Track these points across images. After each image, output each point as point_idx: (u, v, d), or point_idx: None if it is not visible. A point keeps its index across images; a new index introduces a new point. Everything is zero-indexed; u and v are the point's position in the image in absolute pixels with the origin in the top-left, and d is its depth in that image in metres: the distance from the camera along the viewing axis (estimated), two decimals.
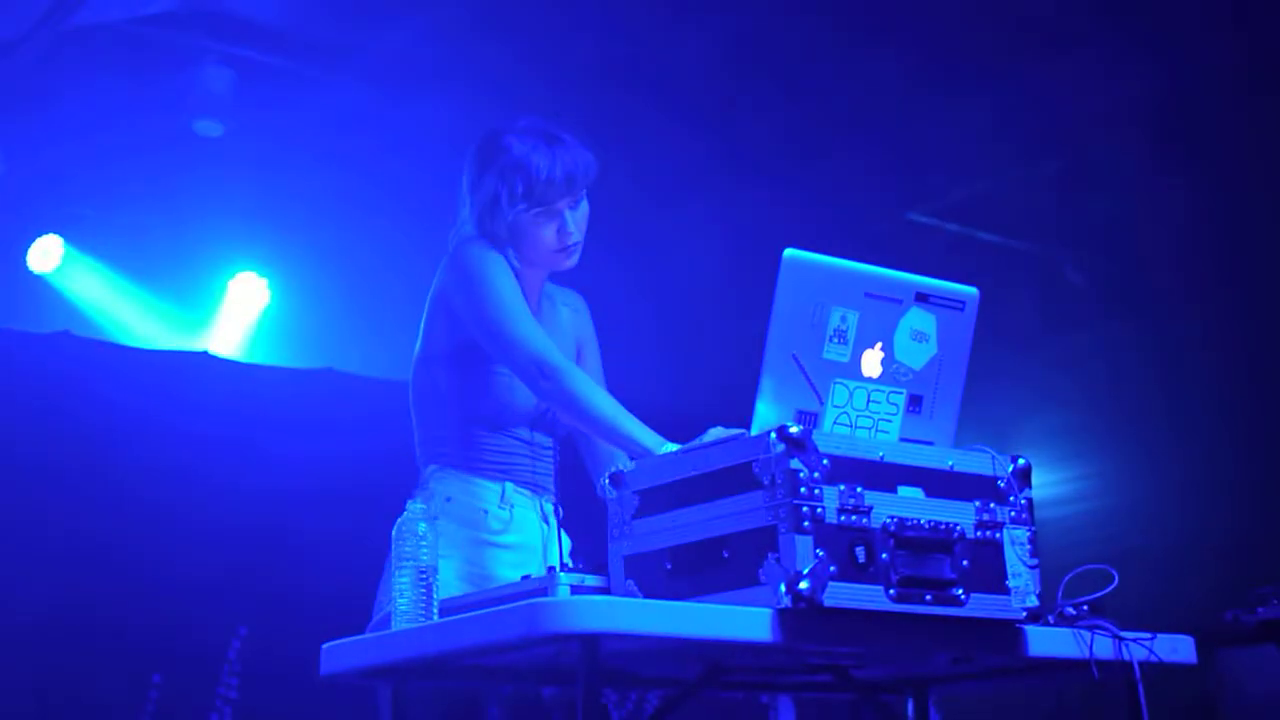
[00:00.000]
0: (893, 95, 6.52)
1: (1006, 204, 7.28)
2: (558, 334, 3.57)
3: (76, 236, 7.21)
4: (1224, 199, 6.75)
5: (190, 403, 6.70)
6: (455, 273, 3.44)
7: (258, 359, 7.58)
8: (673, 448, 3.07)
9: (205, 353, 7.25)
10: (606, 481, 2.88)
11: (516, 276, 3.45)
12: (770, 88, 6.56)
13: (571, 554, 3.44)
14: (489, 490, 3.44)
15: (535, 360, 3.31)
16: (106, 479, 6.31)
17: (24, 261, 7.14)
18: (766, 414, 2.70)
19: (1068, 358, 7.57)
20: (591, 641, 2.48)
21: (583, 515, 3.56)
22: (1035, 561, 2.82)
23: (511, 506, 3.44)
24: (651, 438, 3.17)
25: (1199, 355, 7.06)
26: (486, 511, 3.42)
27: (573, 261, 3.55)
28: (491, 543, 3.41)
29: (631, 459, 3.06)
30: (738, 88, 6.55)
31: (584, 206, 3.53)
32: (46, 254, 7.17)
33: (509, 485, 3.45)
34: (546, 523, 3.47)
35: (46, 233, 7.16)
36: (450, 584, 3.17)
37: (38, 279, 7.20)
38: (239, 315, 7.66)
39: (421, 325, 3.52)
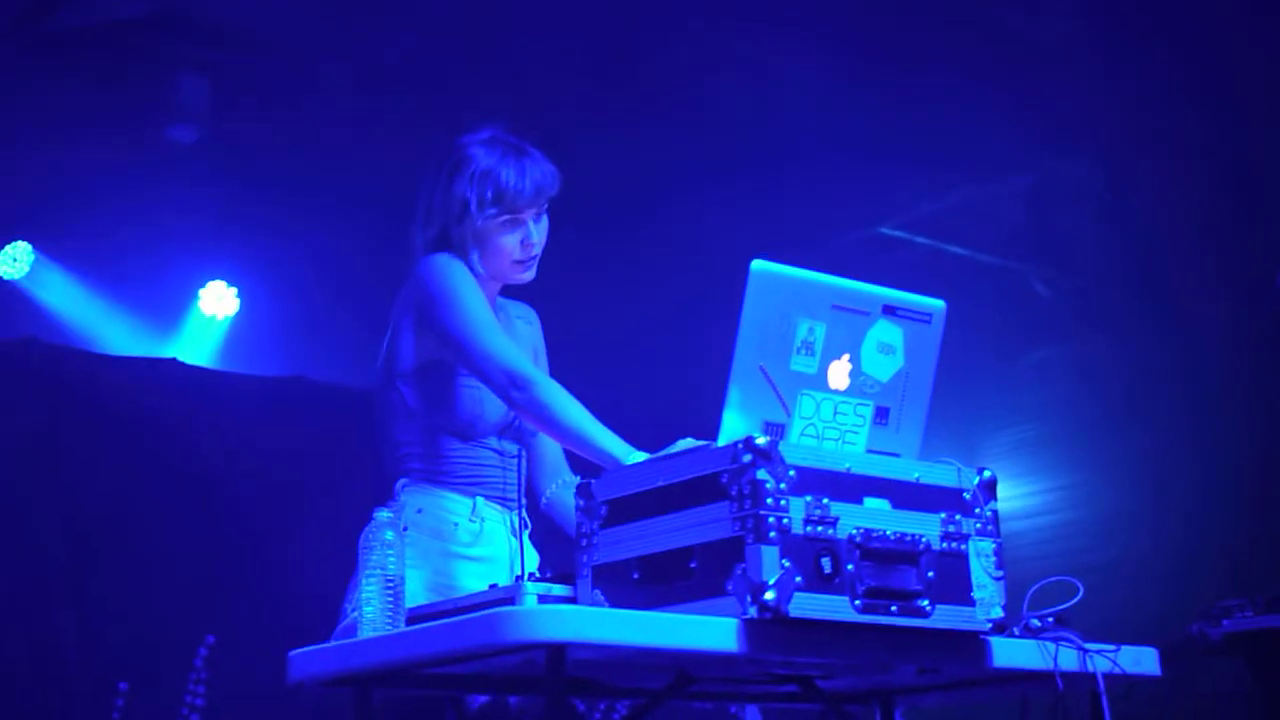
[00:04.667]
0: (864, 108, 6.55)
1: (975, 218, 7.31)
2: (517, 344, 3.59)
3: (46, 243, 7.19)
4: (1191, 211, 6.79)
5: (158, 410, 6.68)
6: (424, 285, 3.45)
7: (227, 367, 7.57)
8: (642, 457, 3.09)
9: (174, 359, 7.23)
10: (573, 492, 2.89)
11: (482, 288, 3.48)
12: (743, 97, 6.58)
13: (539, 568, 3.46)
14: (460, 503, 3.45)
15: (507, 371, 3.32)
16: (72, 486, 6.29)
17: None
18: (734, 425, 2.71)
19: (1035, 371, 7.60)
20: (558, 650, 2.48)
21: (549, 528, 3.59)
22: (1001, 573, 2.84)
23: (482, 520, 3.46)
24: (621, 447, 3.20)
25: (1166, 370, 7.10)
26: (457, 524, 3.44)
27: (530, 275, 3.60)
28: (460, 555, 3.42)
29: (603, 468, 3.08)
30: (707, 94, 6.56)
31: (545, 220, 3.57)
32: (15, 260, 7.16)
33: (480, 499, 3.47)
34: (516, 536, 3.48)
35: (16, 239, 7.15)
36: (417, 595, 3.18)
37: (7, 284, 7.19)
38: (207, 323, 7.66)
39: (387, 338, 3.53)
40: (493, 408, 3.47)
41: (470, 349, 3.37)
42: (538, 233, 3.55)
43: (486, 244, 3.51)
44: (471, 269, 3.49)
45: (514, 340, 3.59)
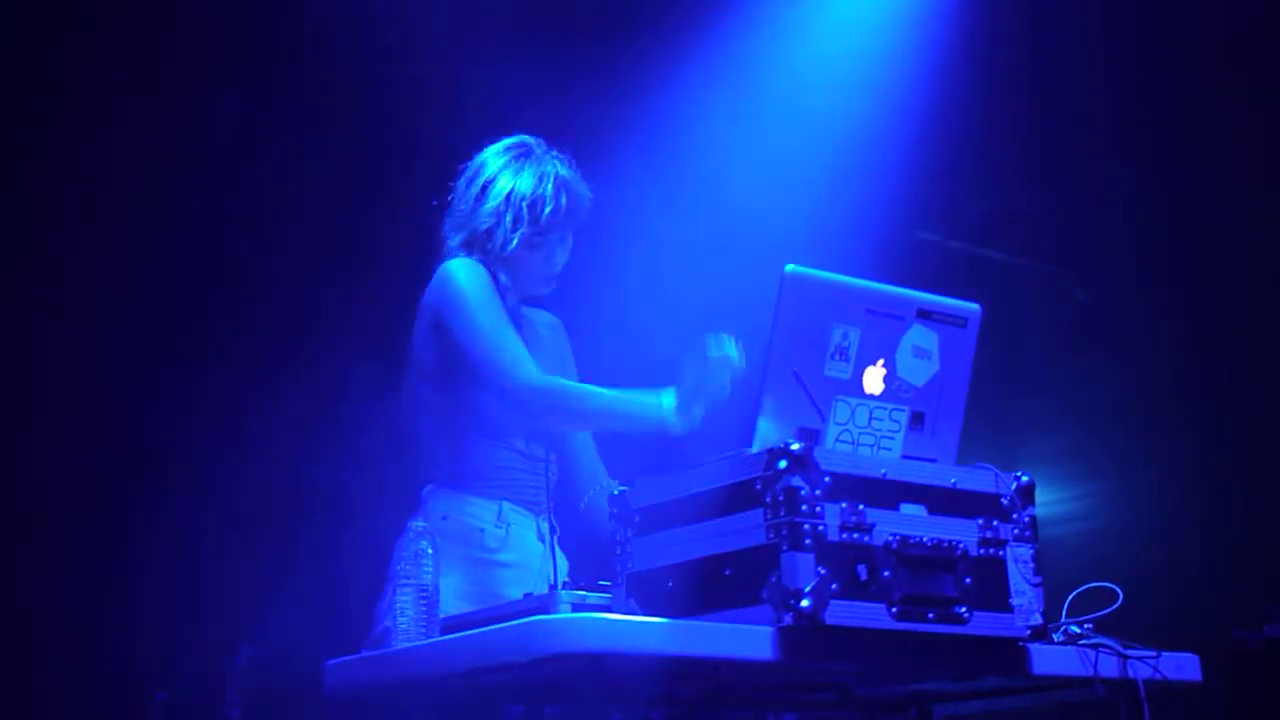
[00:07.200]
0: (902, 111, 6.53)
1: (1014, 222, 7.27)
2: (542, 353, 3.60)
3: None
4: (1234, 220, 6.74)
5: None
6: (441, 289, 3.46)
7: None
8: (671, 397, 3.18)
9: None
10: (606, 500, 2.88)
11: (506, 296, 3.49)
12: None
13: (569, 573, 3.46)
14: (485, 508, 3.45)
15: (514, 378, 3.34)
16: (107, 491, 6.30)
17: None
18: (768, 431, 2.69)
19: (1074, 375, 7.55)
20: (593, 660, 2.47)
21: (578, 532, 3.58)
22: (1039, 579, 2.81)
23: (508, 525, 3.45)
24: (652, 401, 3.25)
25: (1209, 373, 7.04)
26: (483, 530, 3.44)
27: (550, 289, 3.61)
28: (488, 560, 3.42)
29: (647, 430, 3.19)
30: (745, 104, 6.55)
31: (570, 241, 3.59)
32: None
33: (505, 503, 3.46)
34: (543, 540, 3.48)
35: None
36: (449, 601, 3.17)
37: None
38: None
39: (411, 342, 3.54)
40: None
41: (476, 357, 3.38)
42: (562, 253, 3.58)
43: (511, 260, 3.53)
44: (495, 278, 3.50)
45: (540, 347, 3.59)
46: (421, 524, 3.19)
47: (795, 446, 2.58)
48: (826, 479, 2.60)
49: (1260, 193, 6.54)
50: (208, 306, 7.43)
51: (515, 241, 3.51)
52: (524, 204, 3.52)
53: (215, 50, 6.12)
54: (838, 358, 2.77)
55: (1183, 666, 3.06)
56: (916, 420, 2.86)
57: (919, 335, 2.85)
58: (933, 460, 2.85)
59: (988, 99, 6.43)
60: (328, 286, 6.35)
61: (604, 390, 3.33)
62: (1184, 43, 6.12)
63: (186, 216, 6.56)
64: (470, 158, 3.67)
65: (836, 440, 2.78)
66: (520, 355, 3.37)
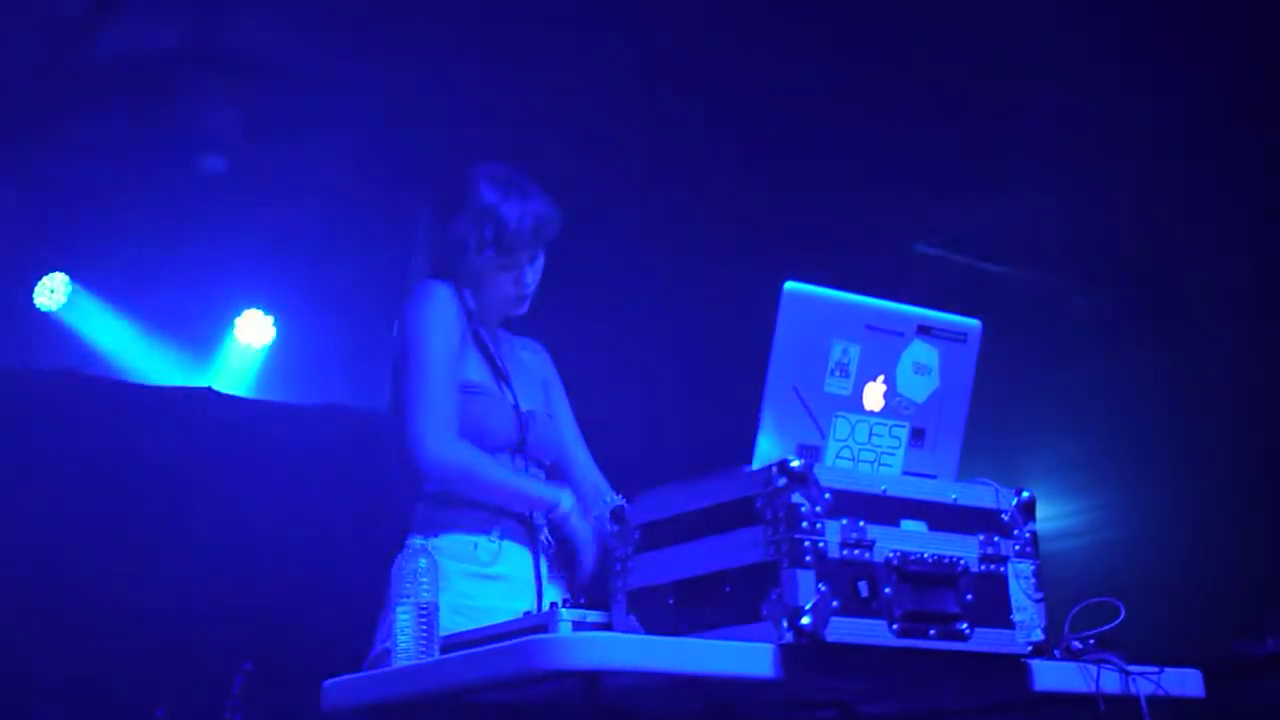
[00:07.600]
0: (898, 125, 6.52)
1: (1011, 233, 7.27)
2: (523, 376, 3.61)
3: (82, 274, 7.22)
4: (1238, 231, 6.74)
5: (194, 439, 6.70)
6: (405, 320, 3.48)
7: (264, 396, 7.58)
8: (569, 498, 3.38)
9: (209, 389, 7.25)
10: (607, 516, 2.87)
11: (472, 319, 3.50)
12: (775, 117, 6.57)
13: (567, 588, 3.45)
14: (478, 522, 3.45)
15: (420, 448, 3.35)
16: (109, 515, 6.31)
17: (31, 298, 7.17)
18: (768, 448, 2.69)
19: (1074, 390, 7.55)
20: (592, 678, 2.46)
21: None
22: (1040, 595, 2.80)
23: (501, 539, 3.45)
24: (549, 493, 3.40)
25: (1207, 387, 7.04)
26: (476, 545, 3.43)
27: (523, 310, 3.62)
28: (481, 574, 3.42)
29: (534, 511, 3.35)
30: (743, 116, 6.55)
31: (541, 260, 3.59)
32: (53, 292, 7.19)
33: (498, 517, 3.46)
34: (536, 554, 3.48)
35: (52, 270, 7.18)
36: (443, 616, 3.17)
37: (45, 315, 7.22)
38: (244, 352, 7.67)
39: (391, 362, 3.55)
40: (502, 423, 3.48)
41: (403, 391, 3.40)
42: (532, 273, 3.59)
43: (481, 281, 3.55)
44: (464, 303, 3.51)
45: (521, 371, 3.61)
46: (419, 541, 3.19)
47: (795, 463, 2.57)
48: (827, 495, 2.59)
49: (1257, 197, 6.55)
50: (215, 329, 7.46)
51: (480, 262, 3.53)
52: (488, 223, 3.53)
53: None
54: (838, 374, 2.76)
55: (1185, 682, 3.05)
56: (917, 436, 2.86)
57: (919, 351, 2.84)
58: (933, 476, 2.84)
59: (986, 103, 6.44)
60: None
61: (507, 474, 3.45)
62: (1182, 47, 6.13)
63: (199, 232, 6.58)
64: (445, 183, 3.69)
65: (837, 457, 2.77)
66: (436, 422, 3.38)
